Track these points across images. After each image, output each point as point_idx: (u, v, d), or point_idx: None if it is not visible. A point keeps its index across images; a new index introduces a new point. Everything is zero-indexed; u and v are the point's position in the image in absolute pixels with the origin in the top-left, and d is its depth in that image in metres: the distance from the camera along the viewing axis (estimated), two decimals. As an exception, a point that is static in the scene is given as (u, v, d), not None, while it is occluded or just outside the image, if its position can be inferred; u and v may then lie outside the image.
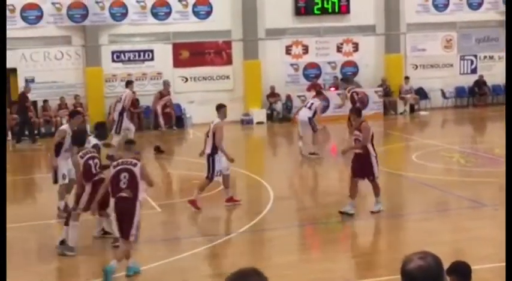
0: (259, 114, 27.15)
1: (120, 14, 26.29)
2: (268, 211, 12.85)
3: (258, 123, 26.87)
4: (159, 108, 21.11)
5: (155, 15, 26.74)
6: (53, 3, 25.54)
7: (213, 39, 27.43)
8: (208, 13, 27.19)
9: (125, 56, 26.76)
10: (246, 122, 26.96)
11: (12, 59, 25.48)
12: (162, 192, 15.00)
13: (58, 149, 12.91)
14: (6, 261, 9.26)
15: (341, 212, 12.16)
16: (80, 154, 10.78)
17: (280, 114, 27.55)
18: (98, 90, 26.16)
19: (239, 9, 27.39)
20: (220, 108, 13.42)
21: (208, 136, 12.96)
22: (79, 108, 21.26)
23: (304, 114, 19.30)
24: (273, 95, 27.81)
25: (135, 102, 26.42)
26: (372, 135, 12.18)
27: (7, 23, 25.20)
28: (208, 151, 12.89)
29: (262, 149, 22.99)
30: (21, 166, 20.04)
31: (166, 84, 22.13)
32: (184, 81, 27.29)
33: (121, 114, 19.39)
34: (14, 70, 25.70)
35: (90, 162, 10.63)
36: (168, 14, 26.87)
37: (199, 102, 26.40)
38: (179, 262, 10.33)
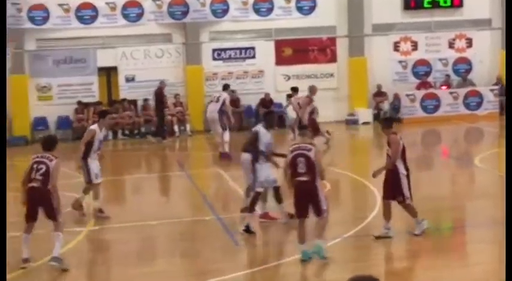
0: (365, 114, 26.88)
1: (221, 10, 26.60)
2: (375, 216, 12.66)
3: (364, 123, 26.62)
4: (306, 115, 20.45)
5: (257, 11, 26.90)
6: (154, 0, 26.12)
7: (317, 35, 27.37)
8: (312, 8, 27.13)
9: (225, 54, 27.07)
10: (351, 122, 26.75)
11: (112, 57, 26.27)
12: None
13: (87, 149, 13.30)
14: (105, 262, 9.54)
15: (377, 237, 11.16)
16: (34, 155, 10.51)
17: (388, 114, 27.17)
18: (198, 89, 26.55)
19: (344, 3, 27.22)
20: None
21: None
22: (109, 108, 21.25)
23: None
24: (379, 94, 27.49)
25: (236, 102, 26.71)
26: (404, 150, 11.02)
27: (108, 21, 26.02)
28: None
29: (368, 151, 22.74)
30: (125, 165, 20.46)
31: (314, 88, 21.30)
32: (286, 80, 27.34)
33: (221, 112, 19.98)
34: (115, 68, 26.43)
35: (35, 166, 10.24)
36: (270, 9, 26.98)
37: (302, 101, 26.35)
38: (283, 267, 10.31)
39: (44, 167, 10.15)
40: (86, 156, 13.36)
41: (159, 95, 24.78)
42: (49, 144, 10.62)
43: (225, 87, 21.43)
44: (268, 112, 13.51)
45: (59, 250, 10.14)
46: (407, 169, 11.11)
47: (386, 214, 11.27)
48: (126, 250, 11.60)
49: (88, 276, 10.19)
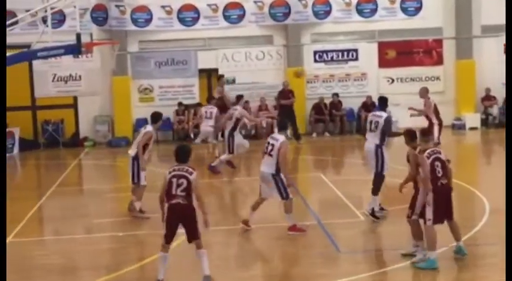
0: (472, 119, 26.32)
1: (323, 11, 26.59)
2: (484, 225, 12.38)
3: (471, 128, 26.08)
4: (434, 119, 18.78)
5: (360, 12, 26.76)
6: (255, 2, 26.34)
7: (422, 37, 27.00)
8: (418, 9, 26.78)
9: (327, 56, 27.03)
10: (458, 127, 26.25)
11: (213, 59, 26.64)
12: (364, 200, 14.93)
13: (143, 150, 13.71)
14: (208, 265, 9.65)
15: (404, 255, 10.68)
16: (171, 168, 9.78)
17: (497, 119, 26.55)
18: (299, 92, 26.55)
19: (452, 4, 26.75)
20: (285, 125, 13.07)
21: (271, 155, 12.26)
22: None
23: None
24: (488, 98, 26.86)
25: (337, 105, 26.62)
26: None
27: (209, 22, 26.40)
28: (272, 170, 12.30)
29: (476, 157, 22.24)
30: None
31: (426, 90, 19.17)
32: (390, 83, 27.08)
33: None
34: (216, 70, 26.79)
35: (173, 180, 9.57)
36: (374, 10, 26.79)
37: (406, 105, 25.99)
38: (381, 276, 10.19)
39: (184, 182, 9.54)
40: (138, 157, 13.74)
41: (286, 95, 25.09)
42: (184, 155, 9.87)
43: (209, 98, 21.47)
44: (382, 97, 14.01)
45: (208, 268, 9.80)
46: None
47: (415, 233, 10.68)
48: (226, 253, 11.72)
49: (189, 278, 10.33)
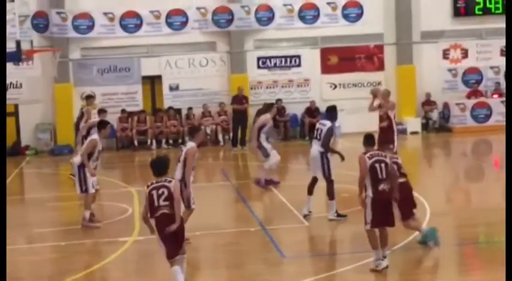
0: (413, 123, 26.72)
1: (266, 18, 26.71)
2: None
3: (412, 133, 26.46)
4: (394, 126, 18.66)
5: (302, 18, 26.96)
6: (198, 8, 26.32)
7: (364, 43, 27.31)
8: (359, 15, 27.08)
9: (270, 62, 27.16)
10: (399, 131, 26.26)
11: (157, 66, 26.54)
12: (310, 205, 15.02)
13: (88, 158, 13.69)
14: (150, 272, 9.61)
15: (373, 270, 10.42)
16: (149, 183, 9.46)
17: (437, 123, 27.00)
18: (242, 98, 26.60)
19: (392, 10, 27.13)
20: (196, 132, 12.72)
21: (179, 161, 12.15)
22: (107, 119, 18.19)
23: None
24: (428, 102, 27.30)
25: (281, 110, 26.72)
26: (373, 168, 10.26)
27: (152, 29, 26.30)
28: (179, 177, 12.07)
29: (417, 161, 22.58)
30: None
31: (388, 92, 19.50)
32: (332, 88, 27.34)
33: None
34: (159, 77, 26.70)
35: (153, 193, 9.27)
36: (316, 17, 27.01)
37: (349, 110, 26.30)
38: (332, 279, 10.29)
39: (165, 191, 9.23)
40: (84, 166, 13.69)
41: (236, 100, 25.07)
42: (162, 168, 9.49)
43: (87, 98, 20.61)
44: (332, 107, 14.32)
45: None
46: (376, 192, 10.33)
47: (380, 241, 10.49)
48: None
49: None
